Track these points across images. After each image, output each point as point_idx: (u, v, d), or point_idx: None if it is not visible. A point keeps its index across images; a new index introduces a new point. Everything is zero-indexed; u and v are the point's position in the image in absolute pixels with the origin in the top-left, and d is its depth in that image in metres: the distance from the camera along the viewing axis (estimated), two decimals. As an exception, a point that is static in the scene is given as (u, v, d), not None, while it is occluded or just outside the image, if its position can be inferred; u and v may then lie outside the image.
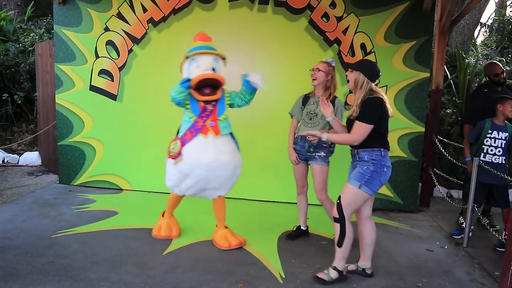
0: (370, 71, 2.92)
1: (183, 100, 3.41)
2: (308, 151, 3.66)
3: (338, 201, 2.93)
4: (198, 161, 3.33)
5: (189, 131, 3.41)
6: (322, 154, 3.63)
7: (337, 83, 3.72)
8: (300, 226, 3.95)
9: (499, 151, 3.89)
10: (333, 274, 2.99)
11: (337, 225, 2.93)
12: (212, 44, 3.59)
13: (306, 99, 3.78)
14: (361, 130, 2.83)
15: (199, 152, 3.34)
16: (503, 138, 3.87)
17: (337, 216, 2.92)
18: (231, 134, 3.59)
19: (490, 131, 3.92)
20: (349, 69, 3.02)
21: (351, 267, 3.18)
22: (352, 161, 3.04)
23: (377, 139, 2.89)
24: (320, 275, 3.01)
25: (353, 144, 2.90)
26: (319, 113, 3.61)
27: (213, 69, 3.43)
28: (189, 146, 3.36)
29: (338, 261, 3.00)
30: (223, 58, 3.56)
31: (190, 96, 3.45)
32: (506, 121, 3.92)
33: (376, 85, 2.99)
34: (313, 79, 3.64)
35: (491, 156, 3.91)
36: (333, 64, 3.66)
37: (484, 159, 3.90)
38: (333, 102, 3.58)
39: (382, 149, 2.89)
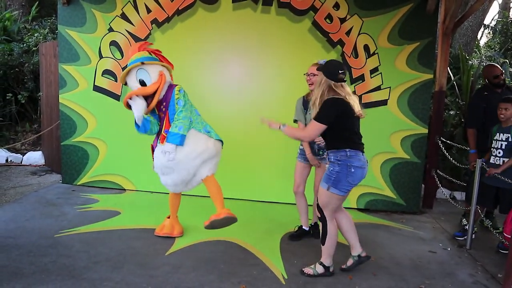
0: (328, 69, 2.95)
1: (154, 124, 3.52)
2: (317, 154, 3.72)
3: (317, 202, 3.10)
4: (160, 163, 3.46)
5: (155, 139, 3.61)
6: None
7: None
8: (301, 226, 3.96)
9: (499, 153, 3.90)
10: (319, 269, 3.14)
11: (320, 224, 3.10)
12: (136, 55, 3.45)
13: (305, 103, 3.79)
14: (313, 128, 2.93)
15: (160, 158, 3.45)
16: (503, 139, 3.88)
17: (319, 215, 3.09)
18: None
19: (495, 134, 3.96)
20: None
21: (349, 262, 3.26)
22: None
23: (342, 139, 2.94)
24: (306, 269, 3.17)
25: (304, 140, 3.04)
26: None
27: (141, 81, 3.40)
28: (155, 152, 3.54)
29: (324, 257, 3.15)
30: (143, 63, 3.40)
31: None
32: None
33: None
34: (310, 84, 3.65)
35: (494, 157, 3.93)
36: None
37: (490, 161, 3.92)
38: None
39: (347, 150, 2.92)
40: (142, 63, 3.38)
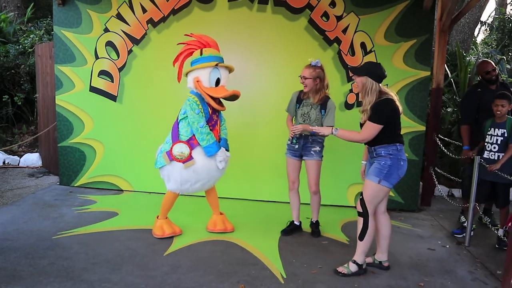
0: (376, 74, 3.01)
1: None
2: (291, 142, 3.79)
3: (361, 197, 3.06)
4: (208, 164, 3.56)
5: (194, 140, 3.57)
6: (318, 149, 3.75)
7: (327, 82, 3.75)
8: (293, 221, 4.02)
9: (494, 148, 3.93)
10: (353, 268, 3.11)
11: (360, 220, 3.06)
12: (217, 52, 3.68)
13: (299, 98, 3.84)
14: (371, 129, 2.96)
15: (208, 157, 3.56)
16: (499, 134, 3.90)
17: (360, 210, 3.05)
18: None
19: (489, 129, 3.97)
20: (354, 76, 3.12)
21: (368, 259, 3.29)
22: (370, 157, 3.17)
23: (392, 135, 3.02)
24: (340, 268, 3.14)
25: (361, 142, 3.07)
26: (312, 115, 3.71)
27: (218, 80, 3.57)
28: (199, 150, 3.54)
29: (358, 255, 3.11)
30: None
31: (202, 101, 3.53)
32: (507, 117, 3.91)
33: (386, 85, 3.08)
34: (304, 86, 3.70)
35: (488, 152, 3.95)
36: (318, 65, 3.66)
37: (485, 156, 3.94)
38: (325, 103, 3.68)
39: (397, 144, 3.02)
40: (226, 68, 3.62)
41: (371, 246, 3.13)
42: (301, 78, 3.68)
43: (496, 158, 3.88)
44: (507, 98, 3.84)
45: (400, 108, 3.04)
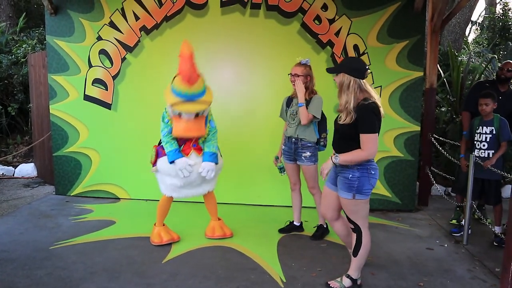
0: (353, 68, 2.71)
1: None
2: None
3: (346, 215, 2.92)
4: (171, 169, 3.49)
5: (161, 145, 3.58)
6: (308, 154, 3.73)
7: (314, 79, 3.79)
8: (292, 221, 4.05)
9: (484, 145, 3.98)
10: (346, 283, 2.94)
11: (354, 235, 2.90)
12: (197, 86, 3.28)
13: (289, 100, 3.91)
14: (371, 142, 2.67)
15: (190, 170, 3.49)
16: (488, 132, 3.96)
17: (352, 227, 2.89)
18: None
19: (477, 127, 4.04)
20: (333, 76, 2.85)
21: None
22: (334, 166, 2.86)
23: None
24: (332, 283, 2.97)
25: (371, 158, 2.73)
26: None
27: (197, 114, 3.34)
28: (164, 160, 3.51)
29: (353, 270, 2.94)
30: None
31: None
32: (494, 114, 3.96)
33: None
34: (293, 84, 3.74)
35: (478, 150, 4.00)
36: (308, 64, 3.75)
37: (475, 154, 3.96)
38: (311, 99, 3.71)
39: None
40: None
41: (335, 248, 3.08)
42: (292, 76, 3.72)
43: (486, 156, 3.94)
44: (491, 97, 3.92)
45: (382, 112, 2.76)
